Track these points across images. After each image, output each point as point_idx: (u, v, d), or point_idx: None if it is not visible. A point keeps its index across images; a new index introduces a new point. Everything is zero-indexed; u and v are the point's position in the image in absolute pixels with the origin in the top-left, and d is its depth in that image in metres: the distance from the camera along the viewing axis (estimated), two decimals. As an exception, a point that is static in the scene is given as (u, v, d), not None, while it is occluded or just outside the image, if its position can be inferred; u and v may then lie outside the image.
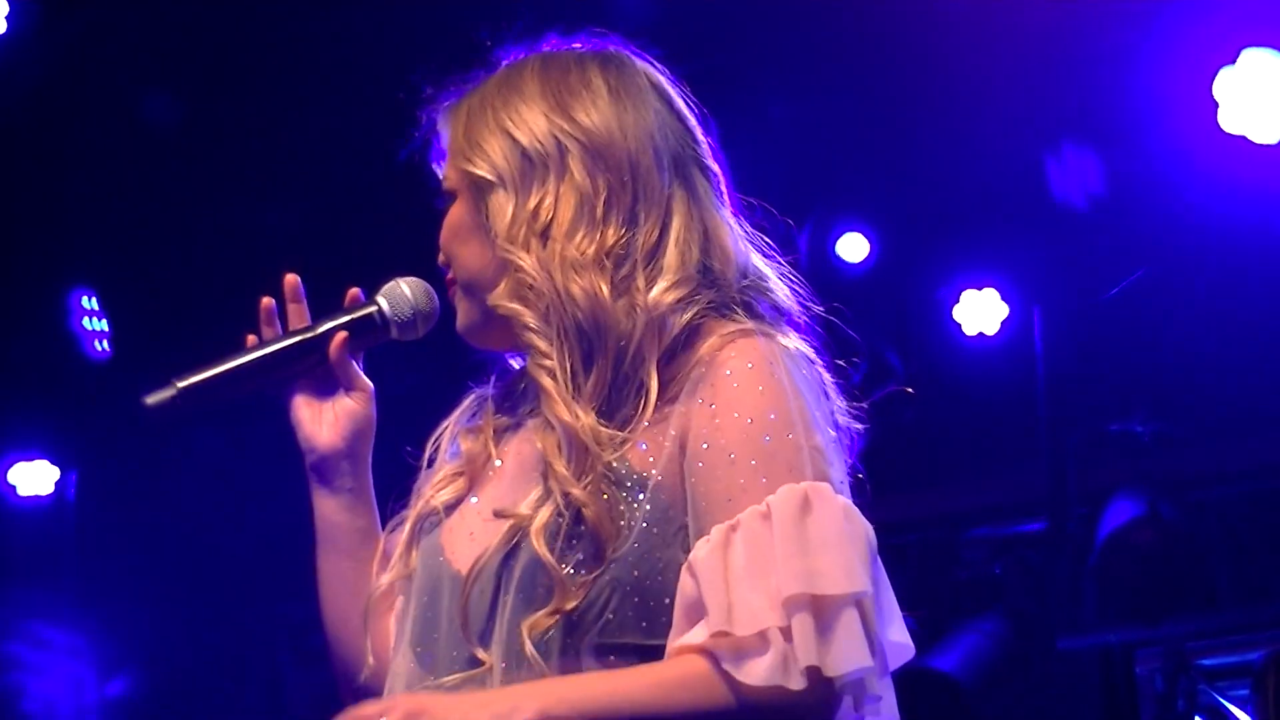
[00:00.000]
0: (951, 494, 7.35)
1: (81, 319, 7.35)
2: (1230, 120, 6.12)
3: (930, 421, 6.94)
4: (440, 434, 2.60)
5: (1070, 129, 6.47)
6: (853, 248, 6.95)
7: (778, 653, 2.25)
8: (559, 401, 2.37)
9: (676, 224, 2.45)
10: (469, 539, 2.47)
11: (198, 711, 7.75)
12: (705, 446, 2.36)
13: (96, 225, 7.07)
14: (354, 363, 2.59)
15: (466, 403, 2.61)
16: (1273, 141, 6.13)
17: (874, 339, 7.01)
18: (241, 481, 7.37)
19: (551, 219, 2.40)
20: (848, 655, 2.28)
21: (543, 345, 2.39)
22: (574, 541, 2.34)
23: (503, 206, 2.42)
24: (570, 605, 2.33)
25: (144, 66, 6.68)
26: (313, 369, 2.56)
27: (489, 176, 2.45)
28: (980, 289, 6.97)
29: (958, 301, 6.98)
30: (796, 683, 2.26)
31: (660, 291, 2.41)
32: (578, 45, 2.62)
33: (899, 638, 2.40)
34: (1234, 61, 6.10)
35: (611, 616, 2.35)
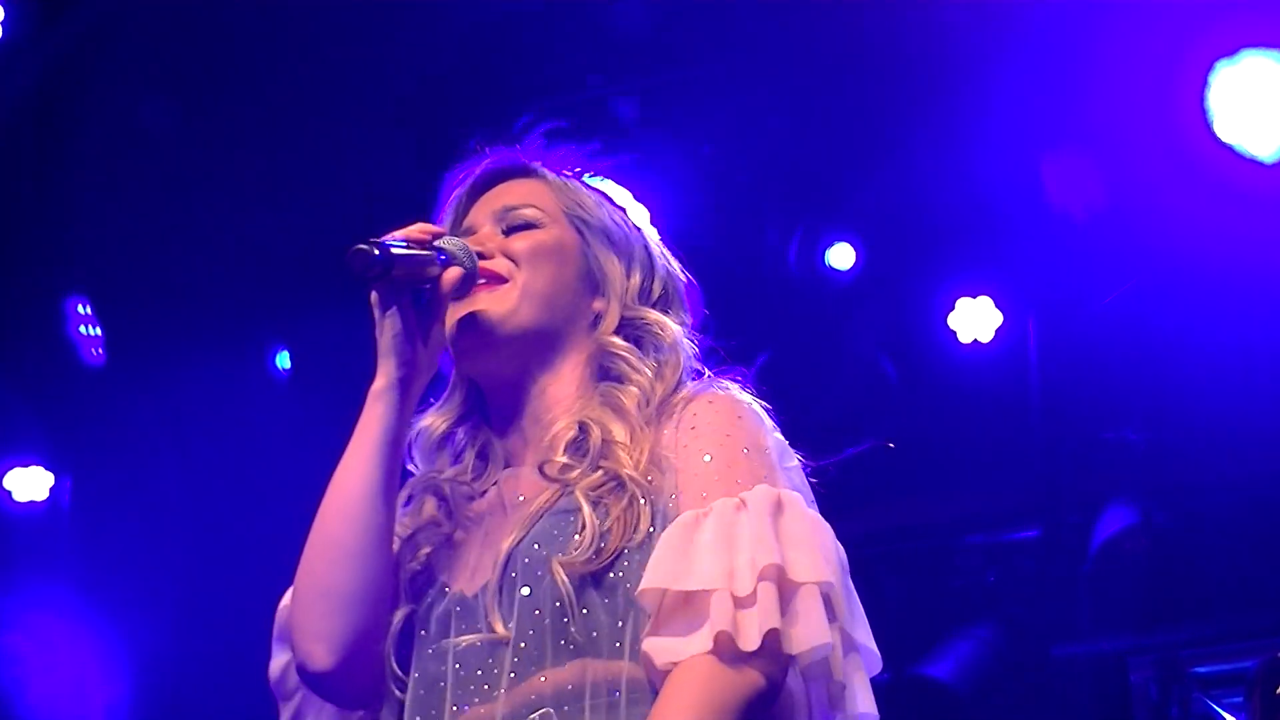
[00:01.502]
0: (945, 501, 7.35)
1: (77, 326, 7.36)
2: (1225, 129, 6.14)
3: (924, 429, 6.95)
4: (409, 489, 2.78)
5: (1065, 137, 6.48)
6: (847, 256, 6.96)
7: (723, 611, 2.38)
8: (634, 414, 2.66)
9: (678, 314, 2.88)
10: (468, 569, 2.64)
11: (194, 717, 7.75)
12: (688, 454, 2.57)
13: (91, 232, 7.07)
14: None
15: (405, 489, 2.77)
16: (1266, 150, 6.15)
17: (869, 347, 7.02)
18: (237, 486, 7.38)
19: (660, 298, 2.84)
20: (811, 631, 2.42)
21: (635, 375, 2.72)
22: (606, 512, 2.53)
23: (620, 270, 2.81)
24: (604, 551, 2.51)
25: (139, 75, 6.68)
26: (421, 287, 2.65)
27: (608, 233, 2.82)
28: (975, 297, 6.98)
29: (952, 309, 6.99)
30: (749, 641, 2.38)
31: (691, 356, 2.82)
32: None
33: (869, 644, 2.53)
34: (1231, 67, 6.11)
35: (626, 570, 2.51)
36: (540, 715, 2.47)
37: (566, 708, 2.46)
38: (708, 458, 2.55)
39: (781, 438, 2.65)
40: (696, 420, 2.61)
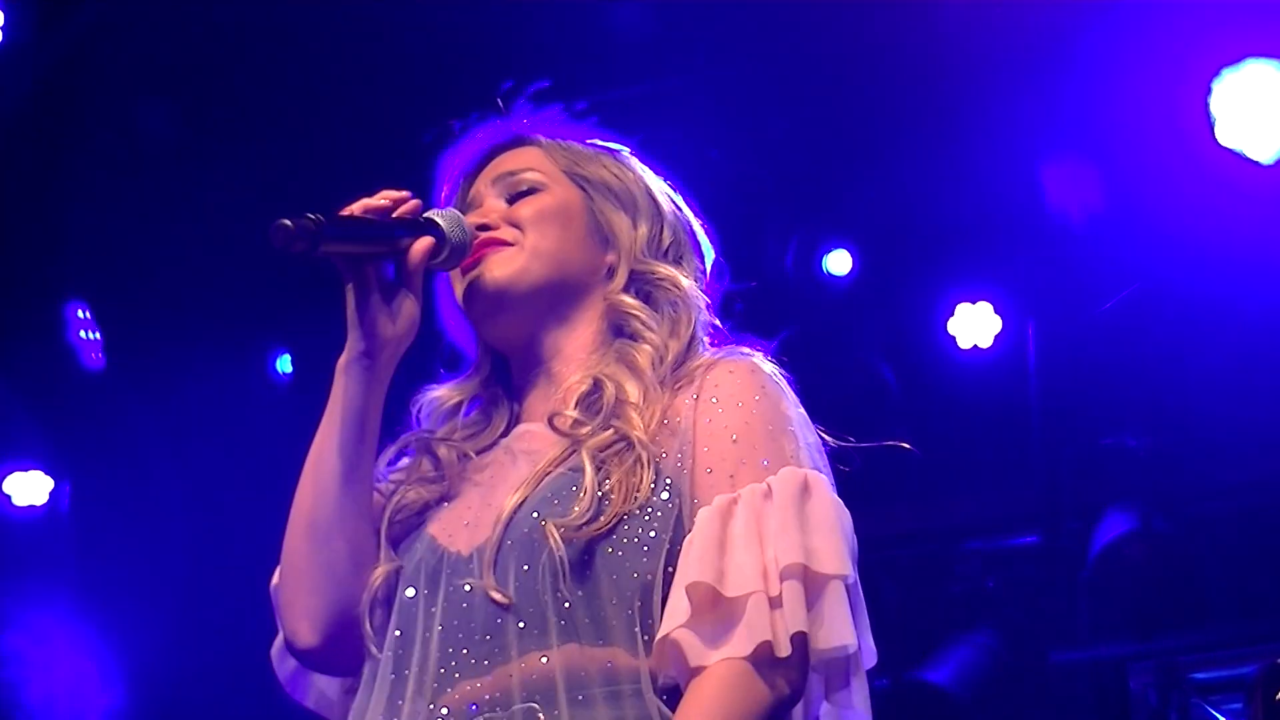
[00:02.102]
0: (944, 507, 7.35)
1: (76, 330, 7.36)
2: (1226, 135, 6.14)
3: (924, 434, 6.95)
4: (402, 444, 2.74)
5: (1065, 143, 6.48)
6: (846, 261, 6.97)
7: (762, 616, 2.37)
8: (647, 373, 2.63)
9: (690, 265, 2.84)
10: (464, 526, 2.58)
11: (191, 722, 7.75)
12: (710, 432, 2.53)
13: (91, 237, 7.07)
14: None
15: (399, 442, 2.75)
16: (1267, 157, 6.15)
17: (868, 352, 7.02)
18: (236, 491, 7.37)
19: (670, 247, 2.81)
20: (835, 630, 2.41)
21: (648, 334, 2.69)
22: (608, 475, 2.50)
23: (626, 224, 2.78)
24: (602, 514, 2.47)
25: (138, 80, 6.68)
26: (384, 259, 2.63)
27: (610, 188, 2.80)
28: (974, 303, 6.98)
29: (952, 315, 6.99)
30: (783, 648, 2.37)
31: (705, 309, 2.79)
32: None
33: (868, 640, 2.50)
34: (1233, 74, 6.12)
35: (629, 545, 2.48)
36: (525, 710, 2.44)
37: (568, 694, 2.43)
38: (734, 437, 2.51)
39: (802, 410, 2.61)
40: (718, 392, 2.56)
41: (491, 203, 2.77)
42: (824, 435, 2.63)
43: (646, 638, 2.45)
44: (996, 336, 6.97)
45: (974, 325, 6.99)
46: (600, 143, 2.87)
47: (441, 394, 2.79)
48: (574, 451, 2.54)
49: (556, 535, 2.44)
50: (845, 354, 6.93)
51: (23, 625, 7.63)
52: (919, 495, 7.18)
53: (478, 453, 2.71)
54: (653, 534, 2.48)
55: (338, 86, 6.45)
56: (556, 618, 2.45)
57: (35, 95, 6.61)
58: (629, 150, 2.89)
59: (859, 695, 2.48)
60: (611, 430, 2.54)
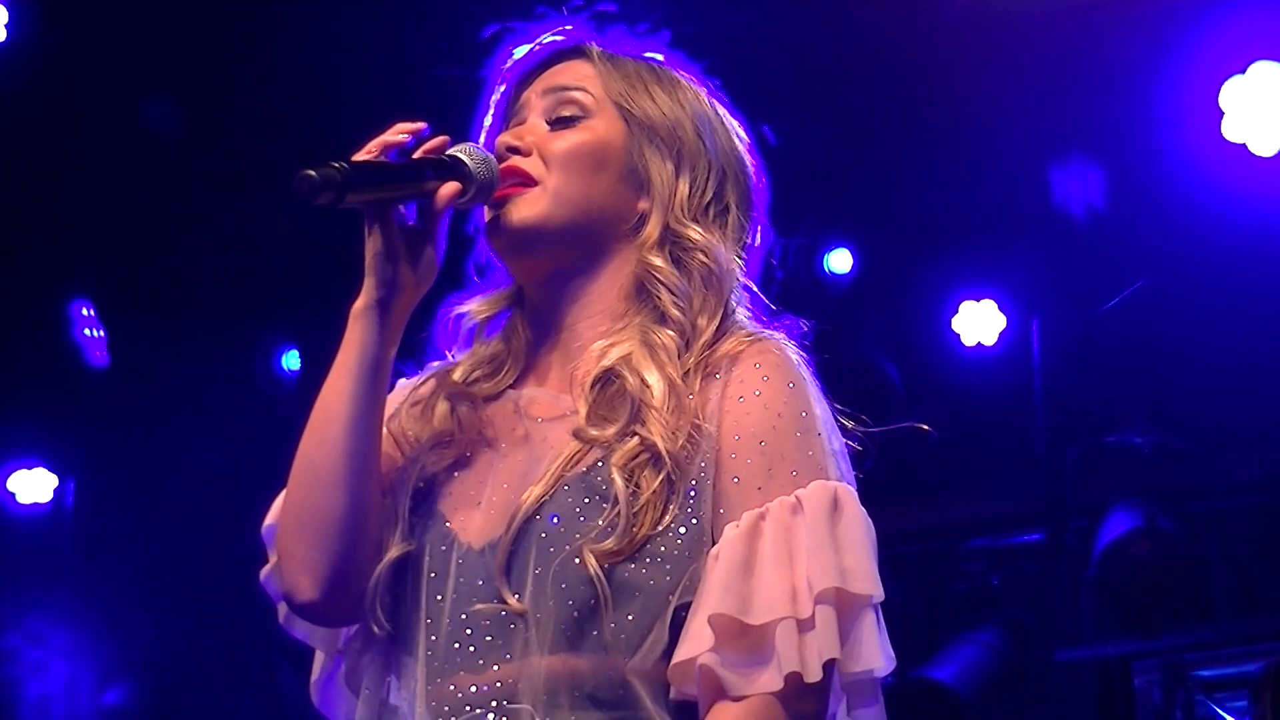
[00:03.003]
0: (949, 505, 7.35)
1: (81, 329, 7.36)
2: (1233, 130, 6.15)
3: (928, 432, 6.94)
4: (411, 398, 2.65)
5: (1070, 140, 6.48)
6: (848, 260, 6.97)
7: (790, 645, 2.31)
8: (671, 363, 2.50)
9: (734, 217, 2.69)
10: (476, 510, 2.52)
11: (194, 718, 7.75)
12: (736, 436, 2.44)
13: (95, 235, 7.08)
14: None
15: (427, 373, 2.67)
16: (1273, 153, 6.15)
17: (873, 350, 7.02)
18: (237, 488, 7.36)
19: (712, 201, 2.65)
20: (867, 654, 2.36)
21: (676, 313, 2.55)
22: (636, 491, 2.41)
23: (667, 173, 2.63)
24: (635, 538, 2.39)
25: (142, 77, 6.68)
26: (408, 201, 2.55)
27: (657, 129, 2.65)
28: (979, 300, 6.98)
29: (956, 312, 6.99)
30: (813, 674, 2.32)
31: (739, 283, 2.64)
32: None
33: (890, 652, 2.44)
34: (1242, 72, 6.12)
35: (652, 563, 2.40)
36: (524, 711, 2.42)
37: (571, 699, 2.39)
38: (762, 442, 2.42)
39: (825, 406, 2.51)
40: (745, 389, 2.46)
41: (533, 120, 2.65)
42: (842, 421, 2.55)
43: (661, 653, 2.39)
44: (1001, 334, 6.97)
45: (978, 323, 6.99)
46: (660, 67, 2.73)
47: (472, 308, 2.68)
48: (597, 459, 2.45)
49: (594, 562, 2.38)
50: (849, 352, 6.92)
51: (26, 622, 7.64)
52: (924, 493, 7.17)
53: (487, 400, 2.61)
54: (676, 552, 2.41)
55: (342, 81, 6.45)
56: (569, 626, 2.40)
57: (39, 93, 6.62)
58: (695, 78, 2.75)
59: (879, 711, 2.46)
60: (637, 440, 2.44)
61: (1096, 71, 6.25)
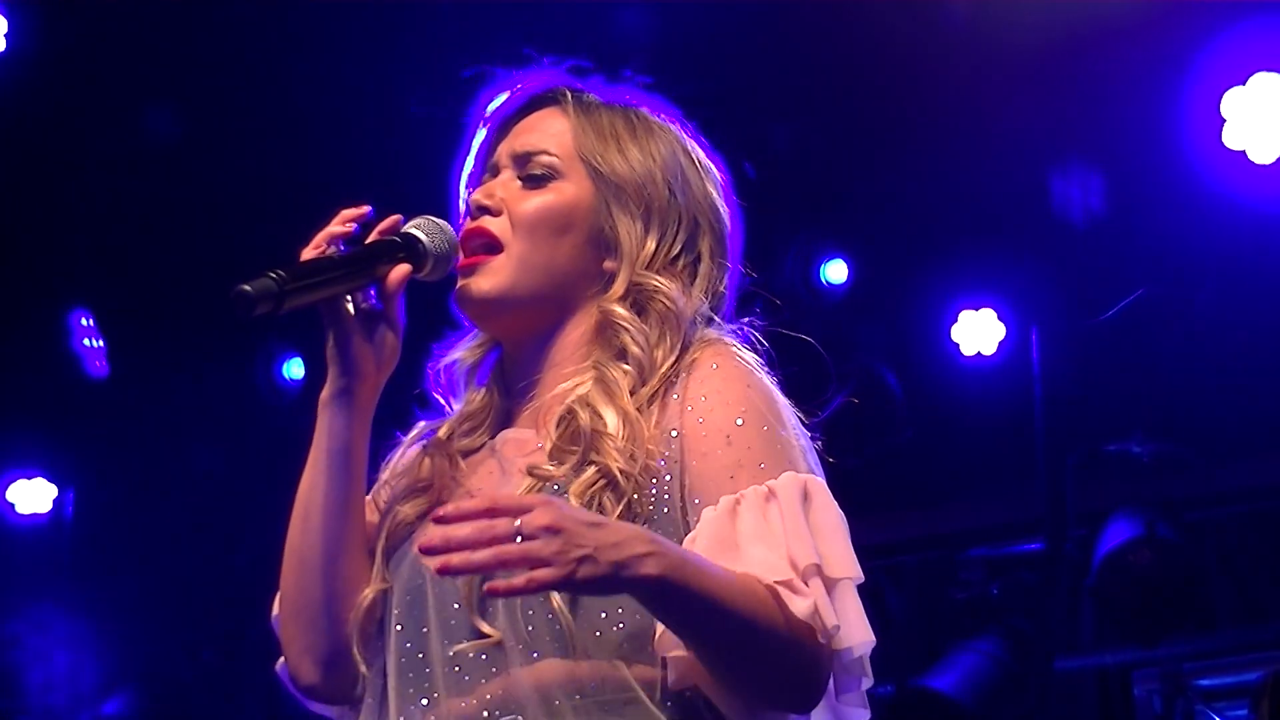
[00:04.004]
0: (949, 514, 7.35)
1: (80, 339, 7.36)
2: (1234, 138, 6.15)
3: (928, 442, 6.95)
4: (394, 458, 2.70)
5: (1068, 149, 6.48)
6: (848, 270, 6.97)
7: (809, 599, 2.34)
8: (625, 395, 2.54)
9: (705, 266, 2.71)
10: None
11: (194, 729, 7.75)
12: (703, 433, 2.47)
13: (95, 245, 7.08)
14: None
15: (415, 432, 2.72)
16: (1272, 160, 6.16)
17: (872, 359, 7.02)
18: (237, 498, 7.37)
19: (682, 252, 2.68)
20: (858, 629, 2.39)
21: (635, 350, 2.58)
22: (601, 510, 2.43)
23: (636, 232, 2.65)
24: None
25: (141, 89, 6.68)
26: (362, 289, 2.60)
27: (626, 188, 2.66)
28: (978, 309, 6.98)
29: (955, 322, 6.99)
30: (824, 635, 2.35)
31: (700, 322, 2.67)
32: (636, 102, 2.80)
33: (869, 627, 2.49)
34: (1243, 84, 6.13)
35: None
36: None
37: (553, 704, 2.41)
38: (728, 437, 2.46)
39: (785, 400, 2.55)
40: (705, 389, 2.51)
41: (505, 177, 2.69)
42: (801, 418, 2.57)
43: (648, 652, 2.42)
44: (1000, 343, 6.97)
45: (977, 332, 6.99)
46: (635, 117, 2.74)
47: (459, 356, 2.73)
48: (554, 489, 2.47)
49: (557, 595, 2.39)
50: (849, 361, 6.92)
51: (26, 632, 7.63)
52: (923, 502, 7.18)
53: (467, 455, 2.67)
54: None
55: (341, 91, 6.45)
56: (548, 637, 2.43)
57: (38, 102, 6.62)
58: (672, 120, 2.76)
59: (862, 695, 2.48)
60: (594, 469, 2.47)
61: (1095, 81, 6.25)
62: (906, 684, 6.82)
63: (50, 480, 7.74)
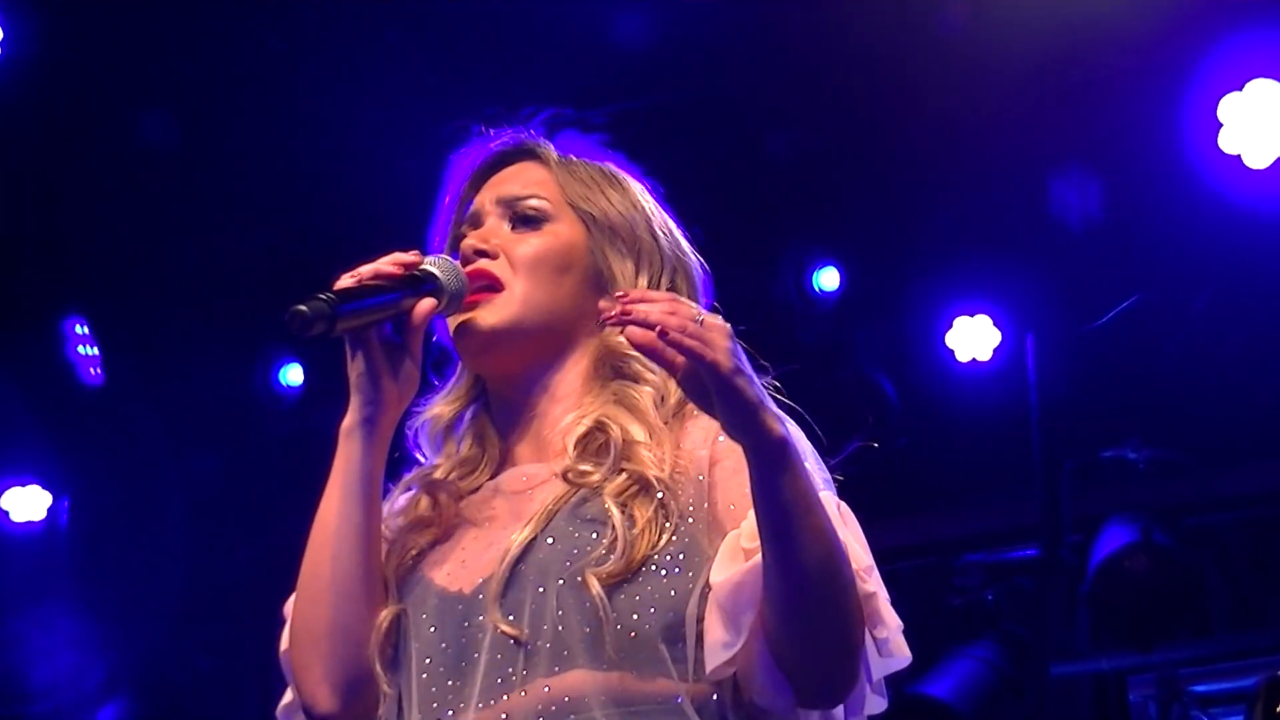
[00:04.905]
0: (945, 520, 7.35)
1: (75, 346, 7.36)
2: (1229, 143, 6.16)
3: (923, 448, 6.95)
4: (389, 498, 2.72)
5: (1064, 155, 6.49)
6: (840, 277, 6.97)
7: (871, 586, 2.44)
8: (651, 413, 2.61)
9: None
10: (462, 565, 2.58)
11: (191, 736, 7.74)
12: (728, 465, 2.52)
13: (89, 251, 7.07)
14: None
15: (409, 478, 2.74)
16: (1268, 164, 6.17)
17: (867, 366, 7.02)
18: (233, 505, 7.37)
19: (674, 291, 2.73)
20: (903, 643, 2.49)
21: (649, 374, 2.66)
22: (632, 519, 2.49)
23: (628, 271, 2.73)
24: (634, 560, 2.45)
25: (136, 94, 6.68)
26: (387, 322, 2.63)
27: (615, 229, 2.75)
28: (973, 315, 6.98)
29: (950, 328, 6.99)
30: (871, 624, 2.44)
31: None
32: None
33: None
34: (1240, 89, 6.14)
35: (651, 583, 2.46)
36: None
37: (586, 714, 2.43)
38: None
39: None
40: None
41: (493, 223, 2.74)
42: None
43: (680, 664, 2.45)
44: (995, 349, 6.97)
45: (973, 338, 6.98)
46: (609, 169, 2.82)
47: (437, 411, 2.76)
48: (587, 497, 2.53)
49: (597, 585, 2.44)
50: (844, 368, 6.92)
51: (21, 640, 7.62)
52: (919, 508, 7.17)
53: (465, 495, 2.70)
54: (675, 570, 2.47)
55: (337, 99, 6.45)
56: (570, 647, 2.45)
57: (34, 108, 6.61)
58: (632, 179, 2.83)
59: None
60: (625, 474, 2.52)
61: (1091, 86, 6.26)
62: (903, 690, 6.82)
63: (45, 488, 7.72)
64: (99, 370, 7.37)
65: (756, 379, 2.33)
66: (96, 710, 7.67)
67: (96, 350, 7.38)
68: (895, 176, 6.64)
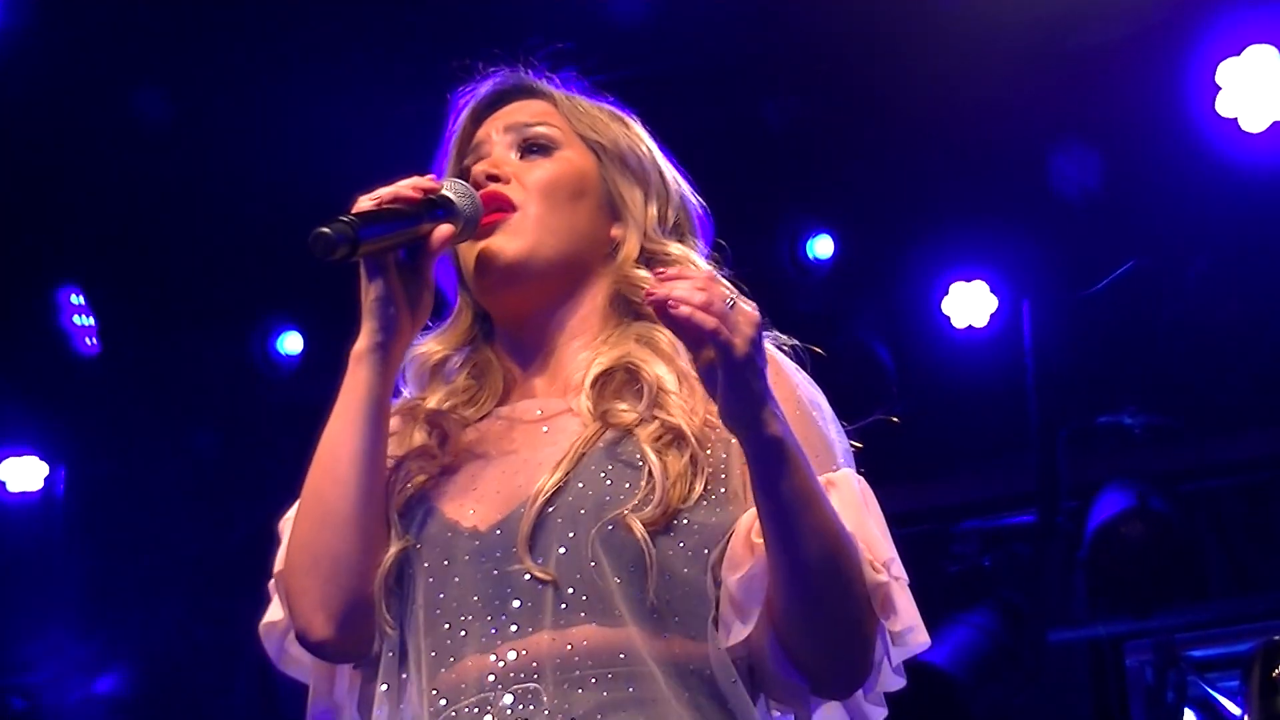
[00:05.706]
0: (941, 487, 7.35)
1: (70, 316, 7.35)
2: (1226, 106, 6.16)
3: (920, 414, 6.95)
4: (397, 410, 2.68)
5: (1061, 121, 6.48)
6: (834, 245, 6.96)
7: (883, 578, 2.44)
8: (678, 356, 2.57)
9: (691, 244, 2.80)
10: (477, 500, 2.54)
11: (187, 708, 7.74)
12: None
13: (84, 222, 7.06)
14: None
15: (396, 404, 2.69)
16: (1264, 128, 6.17)
17: (863, 332, 7.02)
18: (231, 475, 7.37)
19: (674, 228, 2.76)
20: (922, 630, 2.52)
21: None
22: (665, 469, 2.46)
23: (638, 199, 2.72)
24: (669, 510, 2.44)
25: (131, 67, 6.66)
26: (403, 246, 2.59)
27: (625, 159, 2.73)
28: (969, 281, 6.97)
29: (947, 294, 6.98)
30: (882, 611, 2.45)
31: None
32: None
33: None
34: (1238, 55, 6.14)
35: (683, 537, 2.45)
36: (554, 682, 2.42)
37: (574, 674, 2.41)
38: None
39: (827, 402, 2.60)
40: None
41: (500, 153, 2.71)
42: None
43: (709, 622, 2.44)
44: (992, 315, 6.97)
45: (969, 304, 6.98)
46: (610, 107, 2.81)
47: (426, 349, 2.73)
48: (619, 437, 2.50)
49: (641, 528, 2.42)
50: (840, 334, 6.92)
51: (17, 611, 7.63)
52: (915, 475, 7.17)
53: (471, 423, 2.66)
54: (706, 527, 2.45)
55: (332, 71, 6.43)
56: (604, 596, 2.42)
57: (29, 80, 6.60)
58: (632, 118, 2.82)
59: (880, 695, 2.57)
60: (658, 423, 2.50)
61: (1088, 52, 6.25)
62: (899, 657, 6.83)
63: (41, 458, 7.73)
64: (95, 340, 7.37)
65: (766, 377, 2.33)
66: (93, 680, 7.68)
67: (92, 320, 7.37)
68: (889, 143, 6.63)
